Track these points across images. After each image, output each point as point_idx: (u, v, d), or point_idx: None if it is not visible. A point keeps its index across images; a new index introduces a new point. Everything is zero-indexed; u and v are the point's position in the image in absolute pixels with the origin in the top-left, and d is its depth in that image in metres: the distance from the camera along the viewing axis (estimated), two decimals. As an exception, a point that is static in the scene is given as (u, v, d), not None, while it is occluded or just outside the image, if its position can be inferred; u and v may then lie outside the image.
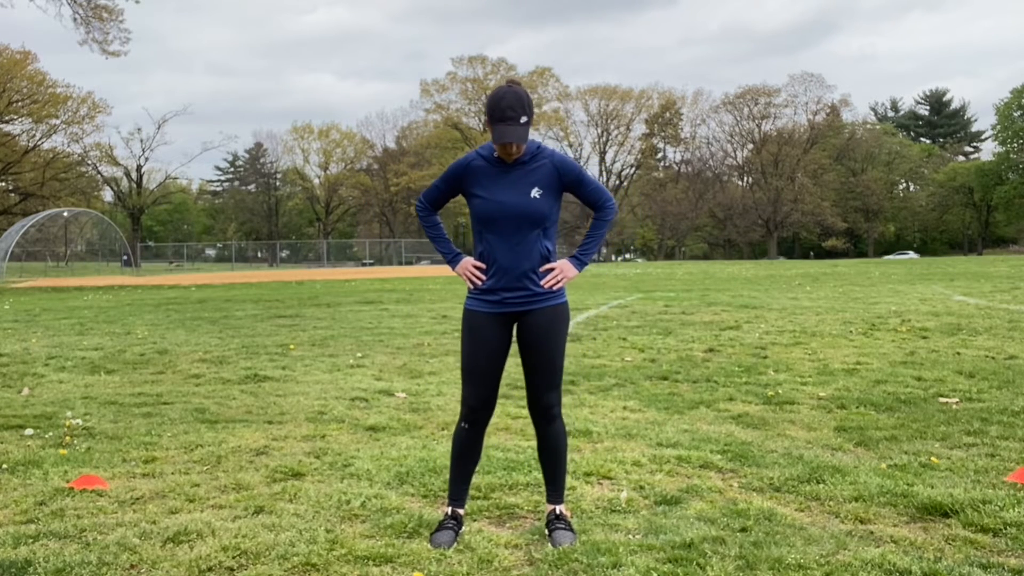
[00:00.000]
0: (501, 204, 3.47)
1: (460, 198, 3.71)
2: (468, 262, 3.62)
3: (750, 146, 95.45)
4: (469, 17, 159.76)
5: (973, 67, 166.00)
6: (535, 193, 3.47)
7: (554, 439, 3.66)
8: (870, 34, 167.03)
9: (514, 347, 3.65)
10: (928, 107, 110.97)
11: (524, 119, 3.38)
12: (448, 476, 3.75)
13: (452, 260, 3.69)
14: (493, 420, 5.77)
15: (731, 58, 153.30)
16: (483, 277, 3.56)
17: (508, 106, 3.36)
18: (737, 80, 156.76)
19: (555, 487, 3.69)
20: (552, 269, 3.55)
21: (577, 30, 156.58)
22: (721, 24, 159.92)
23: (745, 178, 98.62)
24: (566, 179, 3.54)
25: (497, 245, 3.51)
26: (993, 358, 8.48)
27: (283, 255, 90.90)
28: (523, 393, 6.55)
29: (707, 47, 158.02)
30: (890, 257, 73.79)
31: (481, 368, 3.56)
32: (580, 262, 3.64)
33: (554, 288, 3.55)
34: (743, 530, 3.60)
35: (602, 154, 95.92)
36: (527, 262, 3.50)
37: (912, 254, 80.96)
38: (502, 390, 6.49)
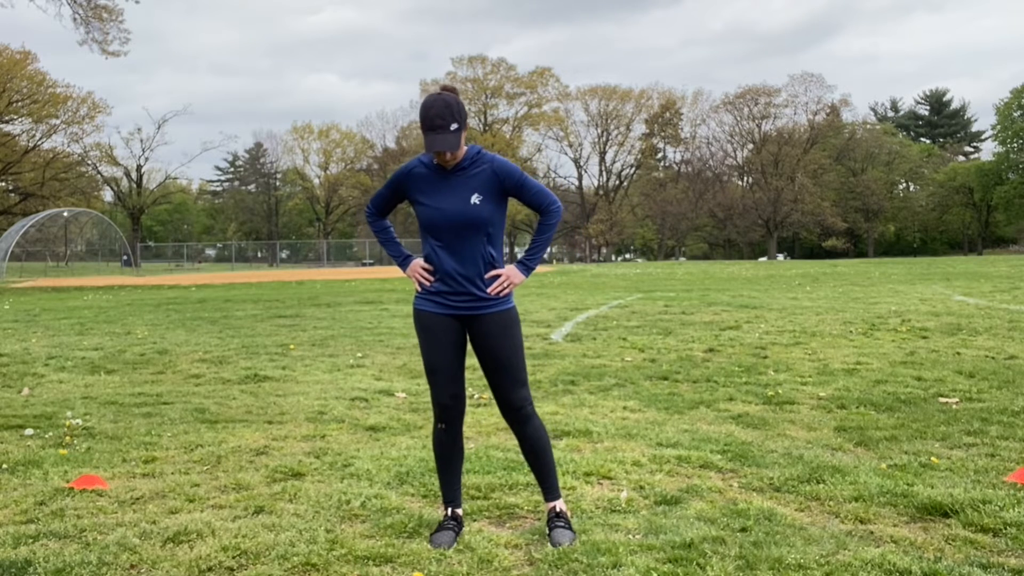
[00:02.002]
0: (442, 211, 3.49)
1: None
2: (417, 264, 3.64)
3: (750, 146, 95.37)
4: (473, 17, 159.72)
5: (975, 67, 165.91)
6: (475, 199, 3.48)
7: (534, 438, 3.65)
8: (873, 35, 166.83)
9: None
10: (928, 107, 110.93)
11: (454, 126, 3.38)
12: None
13: (402, 263, 3.71)
14: (493, 420, 5.78)
15: (734, 58, 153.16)
16: (431, 279, 3.58)
17: (436, 115, 3.37)
18: (740, 80, 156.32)
19: (547, 485, 3.69)
20: (498, 276, 3.55)
21: (580, 30, 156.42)
22: (724, 24, 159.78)
23: (745, 178, 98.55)
24: (507, 184, 3.53)
25: (440, 251, 3.54)
26: (993, 358, 8.48)
27: (283, 255, 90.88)
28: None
29: (710, 47, 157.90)
30: (763, 259, 79.13)
31: (442, 364, 3.57)
32: (527, 268, 3.62)
33: (500, 295, 3.55)
34: (743, 530, 3.60)
35: (602, 154, 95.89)
36: (471, 268, 3.51)
37: (781, 257, 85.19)
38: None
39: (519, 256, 3.75)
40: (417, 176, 3.58)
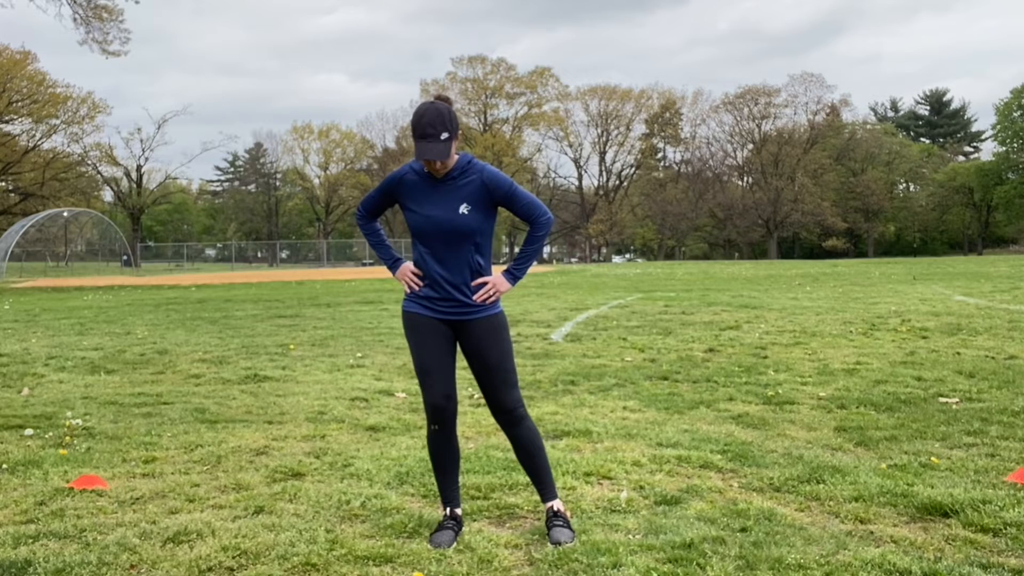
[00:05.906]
0: (430, 219, 3.51)
1: None
2: (407, 268, 3.66)
3: (750, 146, 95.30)
4: (478, 18, 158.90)
5: (976, 67, 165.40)
6: (463, 209, 3.49)
7: (526, 440, 3.66)
8: (878, 35, 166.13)
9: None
10: (928, 107, 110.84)
11: (445, 135, 3.40)
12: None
13: (392, 265, 3.73)
14: (492, 420, 5.77)
15: (739, 59, 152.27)
16: (421, 283, 3.61)
17: (428, 123, 3.38)
18: (746, 81, 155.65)
19: (543, 485, 3.70)
20: (485, 283, 3.56)
21: (586, 30, 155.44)
22: (730, 24, 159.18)
23: (745, 178, 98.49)
24: (496, 194, 3.54)
25: (429, 257, 3.56)
26: (993, 358, 8.48)
27: (283, 255, 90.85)
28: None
29: (715, 48, 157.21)
30: (617, 259, 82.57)
31: (433, 364, 3.57)
32: (514, 276, 3.65)
33: (486, 302, 3.56)
34: (743, 530, 3.60)
35: (602, 154, 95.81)
36: (458, 276, 3.54)
37: (634, 258, 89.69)
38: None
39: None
40: (408, 183, 3.59)
